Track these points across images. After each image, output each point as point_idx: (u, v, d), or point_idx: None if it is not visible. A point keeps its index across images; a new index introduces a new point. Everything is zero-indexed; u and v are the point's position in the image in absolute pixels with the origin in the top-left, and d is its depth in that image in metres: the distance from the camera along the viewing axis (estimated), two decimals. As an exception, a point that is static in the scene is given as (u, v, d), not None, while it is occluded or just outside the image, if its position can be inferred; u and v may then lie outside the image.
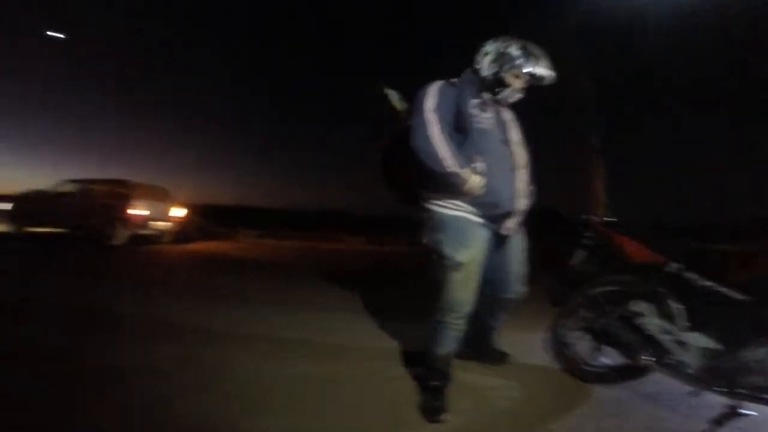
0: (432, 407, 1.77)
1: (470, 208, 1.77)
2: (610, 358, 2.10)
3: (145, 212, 8.48)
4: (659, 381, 2.01)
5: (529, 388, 2.08)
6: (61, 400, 1.75)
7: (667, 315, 1.87)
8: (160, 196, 9.05)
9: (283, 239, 12.48)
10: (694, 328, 1.81)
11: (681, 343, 1.81)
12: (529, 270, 2.03)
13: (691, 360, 1.77)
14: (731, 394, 1.65)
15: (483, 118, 1.79)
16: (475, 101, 1.80)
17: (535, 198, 1.94)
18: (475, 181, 1.68)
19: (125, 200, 8.23)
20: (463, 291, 1.77)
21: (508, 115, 1.95)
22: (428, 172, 1.72)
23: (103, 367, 2.13)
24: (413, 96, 1.84)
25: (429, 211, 1.85)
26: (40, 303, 3.42)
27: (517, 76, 1.83)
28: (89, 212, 8.35)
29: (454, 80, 1.88)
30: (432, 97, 1.77)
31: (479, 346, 2.23)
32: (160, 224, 8.90)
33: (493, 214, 1.78)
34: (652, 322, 1.91)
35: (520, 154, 1.88)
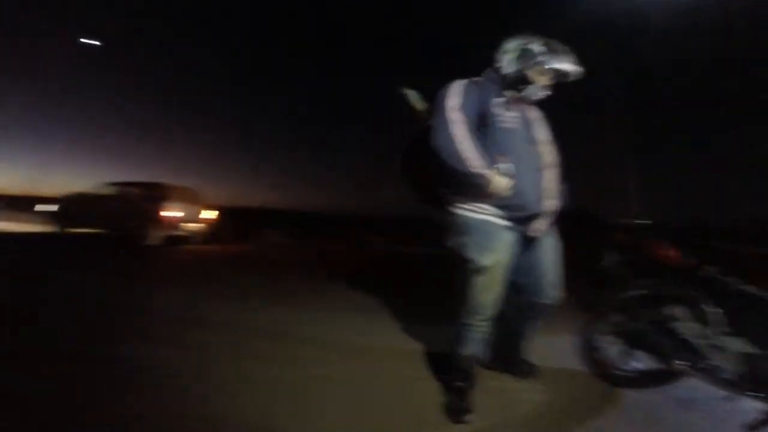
0: (456, 408, 1.78)
1: (495, 211, 1.74)
2: (641, 362, 2.07)
3: (178, 214, 8.79)
4: (693, 386, 1.96)
5: (555, 392, 2.06)
6: (99, 394, 1.88)
7: (702, 319, 1.84)
8: (192, 199, 9.37)
9: (308, 241, 12.64)
10: (729, 332, 1.77)
11: (716, 348, 1.78)
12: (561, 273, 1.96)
13: (727, 364, 1.74)
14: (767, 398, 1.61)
15: (507, 117, 1.75)
16: (498, 100, 1.76)
17: (567, 199, 1.89)
18: (500, 182, 1.64)
19: (159, 202, 8.56)
20: (487, 294, 1.76)
21: (534, 114, 1.90)
22: (452, 173, 1.69)
23: (134, 360, 2.26)
24: (434, 95, 1.82)
25: (453, 214, 1.83)
26: (76, 300, 3.63)
27: (541, 73, 1.78)
28: (126, 214, 8.72)
29: (477, 79, 1.84)
30: (455, 95, 1.74)
31: (508, 356, 2.13)
32: (192, 225, 9.20)
33: (520, 215, 1.75)
34: (686, 326, 1.88)
35: (548, 153, 1.84)
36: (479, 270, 1.73)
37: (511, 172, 1.67)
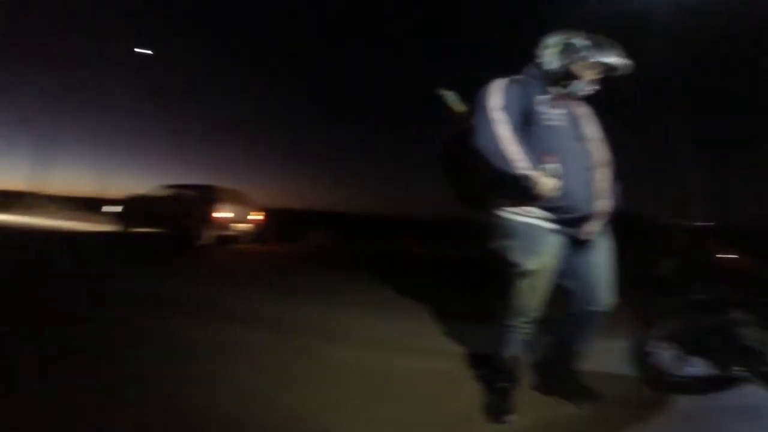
0: (498, 408, 1.77)
1: (542, 213, 1.68)
2: (697, 368, 1.98)
3: (228, 215, 9.23)
4: (751, 393, 1.86)
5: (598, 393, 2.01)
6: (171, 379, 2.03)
7: (765, 324, 1.73)
8: (241, 200, 9.83)
9: (352, 242, 12.83)
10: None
11: None
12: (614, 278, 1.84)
13: None
14: None
15: (553, 114, 1.68)
16: (542, 97, 1.70)
17: (620, 199, 1.78)
18: (547, 183, 1.58)
19: (211, 204, 9.04)
20: (531, 297, 1.72)
21: (582, 110, 1.80)
22: (496, 175, 1.65)
23: (194, 351, 2.41)
24: (474, 95, 1.77)
25: (497, 217, 1.79)
26: (136, 292, 3.92)
27: (586, 67, 1.70)
28: (181, 215, 9.28)
29: (518, 77, 1.79)
30: (496, 95, 1.69)
31: (562, 377, 1.94)
32: (241, 226, 9.63)
33: (570, 217, 1.67)
34: (748, 331, 1.78)
35: (598, 151, 1.73)
36: (523, 274, 1.69)
37: (557, 172, 1.60)
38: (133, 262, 6.26)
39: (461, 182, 1.99)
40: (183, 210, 9.31)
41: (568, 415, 1.82)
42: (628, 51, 1.72)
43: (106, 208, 10.88)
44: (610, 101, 1.96)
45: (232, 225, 9.38)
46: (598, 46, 1.69)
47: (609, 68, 1.72)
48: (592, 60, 1.68)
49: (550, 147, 1.63)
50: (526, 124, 1.68)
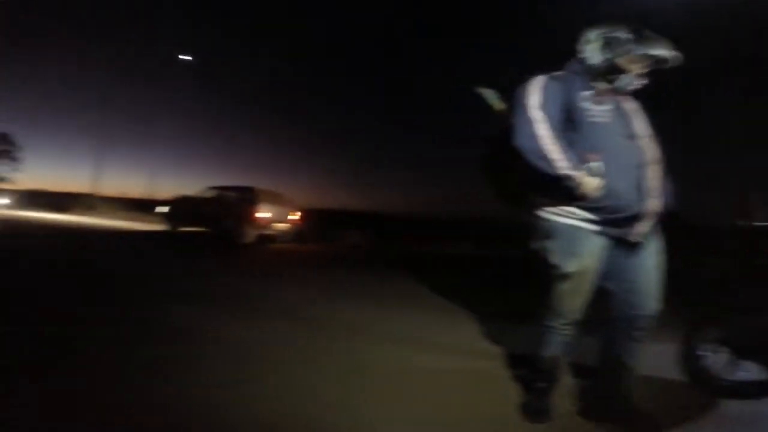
0: (535, 408, 1.75)
1: (585, 215, 1.61)
2: (748, 372, 1.90)
3: (268, 215, 9.58)
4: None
5: (644, 398, 1.92)
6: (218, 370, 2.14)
7: None
8: (280, 201, 10.19)
9: (389, 242, 12.91)
10: None
11: None
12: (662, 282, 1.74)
13: None
14: None
15: (598, 111, 1.60)
16: (586, 93, 1.62)
17: (673, 198, 1.68)
18: (589, 182, 1.51)
19: (252, 205, 9.42)
20: (572, 299, 1.67)
21: (631, 106, 1.69)
22: (537, 175, 1.61)
23: (242, 346, 2.52)
24: (513, 93, 1.73)
25: (538, 217, 1.74)
26: (182, 289, 4.14)
27: (633, 60, 1.61)
28: (224, 215, 9.74)
29: (558, 73, 1.72)
30: (535, 93, 1.64)
31: (615, 399, 1.74)
32: (280, 226, 9.99)
33: (616, 218, 1.57)
34: None
35: (648, 148, 1.63)
36: (564, 276, 1.64)
37: (600, 170, 1.54)
38: (179, 259, 6.62)
39: (501, 182, 1.95)
40: (226, 210, 9.78)
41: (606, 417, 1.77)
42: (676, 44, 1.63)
43: (158, 209, 11.59)
44: (661, 95, 1.86)
45: (272, 225, 9.73)
46: (643, 39, 1.61)
47: (658, 61, 1.63)
48: (637, 53, 1.61)
49: (594, 145, 1.57)
50: (569, 121, 1.62)
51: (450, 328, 3.16)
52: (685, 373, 2.06)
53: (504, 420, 1.74)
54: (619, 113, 1.64)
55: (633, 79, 1.64)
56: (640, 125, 1.66)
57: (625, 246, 1.64)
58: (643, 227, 1.59)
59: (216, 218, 9.93)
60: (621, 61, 1.61)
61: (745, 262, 2.05)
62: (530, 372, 1.87)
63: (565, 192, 1.56)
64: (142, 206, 21.75)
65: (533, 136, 1.58)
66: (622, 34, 1.62)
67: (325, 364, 2.23)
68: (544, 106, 1.61)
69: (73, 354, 2.11)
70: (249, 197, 9.66)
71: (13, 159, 31.83)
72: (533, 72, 1.72)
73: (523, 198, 1.80)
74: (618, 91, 1.65)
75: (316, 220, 14.27)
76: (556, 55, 1.84)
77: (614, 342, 1.72)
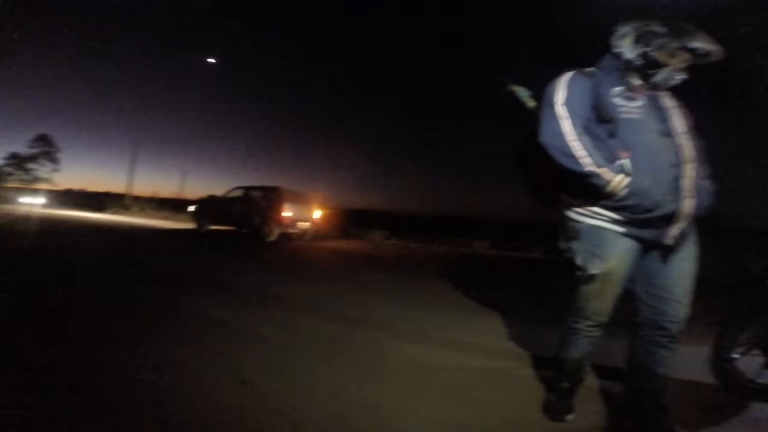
0: (557, 407, 1.74)
1: (611, 215, 1.55)
2: None
3: (293, 214, 9.78)
4: None
5: (670, 400, 1.88)
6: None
7: None
8: (304, 200, 10.41)
9: (412, 242, 12.91)
10: None
11: None
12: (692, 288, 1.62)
13: None
14: None
15: (630, 107, 1.55)
16: (618, 89, 1.57)
17: (712, 199, 1.56)
18: (615, 180, 1.47)
19: (277, 204, 9.65)
20: (597, 301, 1.63)
21: (669, 102, 1.60)
22: (564, 173, 1.57)
23: (265, 340, 2.57)
24: (543, 90, 1.69)
25: (566, 217, 1.70)
26: (211, 283, 4.24)
27: (671, 54, 1.54)
28: (250, 214, 10.02)
29: (590, 69, 1.68)
30: (561, 89, 1.61)
31: (642, 404, 1.68)
32: (304, 224, 10.19)
33: (645, 218, 1.51)
34: None
35: (686, 146, 1.53)
36: (589, 277, 1.61)
37: (627, 168, 1.48)
38: (208, 256, 6.81)
39: (533, 181, 1.91)
40: (251, 209, 10.06)
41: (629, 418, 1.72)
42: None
43: (191, 208, 12.00)
44: (704, 90, 1.76)
45: (296, 223, 9.92)
46: (680, 32, 1.54)
47: (699, 55, 1.55)
48: (675, 46, 1.54)
49: (625, 142, 1.52)
50: (600, 118, 1.57)
51: (473, 326, 3.14)
52: (715, 376, 2.02)
53: (525, 418, 1.74)
54: (655, 109, 1.56)
55: (672, 73, 1.57)
56: (678, 122, 1.57)
57: (657, 249, 1.57)
58: (676, 230, 1.50)
59: (242, 217, 10.22)
60: (658, 55, 1.55)
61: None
62: (554, 372, 1.86)
63: (590, 190, 1.53)
64: (173, 205, 22.51)
65: (558, 133, 1.55)
66: (658, 27, 1.56)
67: (348, 360, 2.25)
68: (570, 103, 1.58)
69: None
70: (274, 197, 9.89)
71: (53, 160, 33.47)
72: (564, 68, 1.68)
73: (554, 198, 1.76)
74: (657, 87, 1.59)
75: (342, 219, 14.44)
76: (589, 51, 1.79)
77: (639, 348, 1.66)
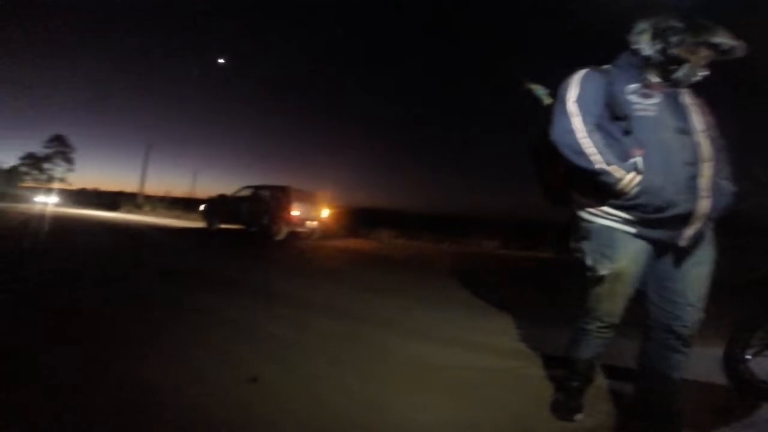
0: (566, 406, 1.72)
1: (624, 215, 1.52)
2: None
3: (301, 213, 9.84)
4: None
5: (684, 402, 1.85)
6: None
7: None
8: (312, 199, 10.47)
9: (420, 241, 12.90)
10: None
11: None
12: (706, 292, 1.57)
13: None
14: None
15: (645, 104, 1.51)
16: (633, 86, 1.55)
17: (731, 199, 1.51)
18: (627, 179, 1.44)
19: (287, 203, 9.71)
20: (608, 303, 1.60)
21: (688, 99, 1.56)
22: (575, 171, 1.56)
23: (273, 337, 2.57)
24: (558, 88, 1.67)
25: (577, 216, 1.68)
26: (220, 281, 4.26)
27: (692, 51, 1.50)
28: (259, 213, 10.11)
29: (606, 66, 1.66)
30: (574, 86, 1.59)
31: (652, 407, 1.65)
32: (312, 223, 10.25)
33: (658, 218, 1.47)
34: None
35: (704, 144, 1.48)
36: (598, 278, 1.59)
37: (638, 166, 1.45)
38: (217, 254, 6.87)
39: (547, 179, 1.89)
40: (260, 208, 10.15)
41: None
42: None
43: (201, 207, 12.17)
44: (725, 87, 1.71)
45: (305, 222, 9.98)
46: (700, 27, 1.50)
47: (722, 51, 1.50)
48: (696, 41, 1.49)
49: (639, 139, 1.48)
50: (614, 115, 1.55)
51: (481, 326, 3.12)
52: (727, 377, 1.99)
53: (533, 417, 1.73)
54: (673, 106, 1.52)
55: (693, 70, 1.52)
56: (697, 120, 1.52)
57: (671, 251, 1.53)
58: (690, 231, 1.45)
59: (251, 216, 10.31)
60: (679, 52, 1.51)
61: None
62: (563, 371, 1.84)
63: (600, 188, 1.50)
64: (185, 204, 22.83)
65: (568, 131, 1.53)
66: (677, 23, 1.52)
67: (354, 359, 2.25)
68: (582, 100, 1.56)
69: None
70: (282, 196, 9.95)
71: (68, 160, 34.13)
72: (580, 66, 1.66)
73: (566, 196, 1.74)
74: (678, 84, 1.54)
75: (349, 218, 14.48)
76: (606, 48, 1.75)
77: (650, 350, 1.63)
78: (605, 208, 1.56)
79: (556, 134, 1.57)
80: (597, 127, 1.54)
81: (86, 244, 6.79)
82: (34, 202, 20.93)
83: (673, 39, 1.51)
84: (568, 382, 1.78)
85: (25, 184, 30.30)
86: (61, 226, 9.67)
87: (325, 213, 10.79)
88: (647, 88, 1.53)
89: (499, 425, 1.67)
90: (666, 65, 1.53)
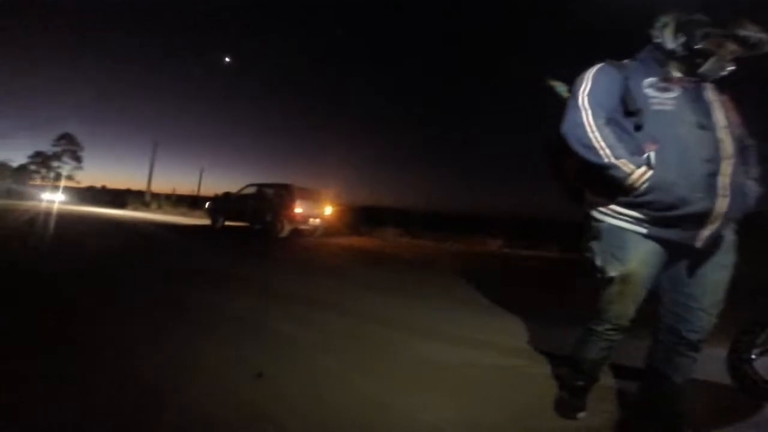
0: (569, 405, 1.73)
1: (635, 214, 1.47)
2: None
3: (304, 210, 9.88)
4: None
5: (687, 402, 1.84)
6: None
7: None
8: (316, 197, 10.51)
9: (425, 239, 12.89)
10: None
11: None
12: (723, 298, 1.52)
13: None
14: None
15: (663, 98, 1.46)
16: (651, 80, 1.50)
17: (757, 200, 1.45)
18: (637, 174, 1.39)
19: (290, 201, 9.76)
20: (618, 305, 1.55)
21: (712, 95, 1.50)
22: (586, 166, 1.52)
23: (277, 335, 2.57)
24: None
25: (588, 216, 1.64)
26: (214, 270, 4.27)
27: (719, 44, 1.44)
28: (263, 210, 10.17)
29: (625, 61, 1.63)
30: (587, 80, 1.56)
31: (656, 409, 1.64)
32: (315, 221, 10.30)
33: (670, 216, 1.41)
34: None
35: (726, 141, 1.41)
36: (608, 280, 1.54)
37: (650, 161, 1.40)
38: (221, 252, 6.91)
39: (563, 175, 1.85)
40: (264, 206, 10.21)
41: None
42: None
43: (206, 205, 12.27)
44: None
45: (308, 220, 10.03)
46: (725, 21, 1.45)
47: (749, 44, 1.44)
48: (723, 34, 1.45)
49: (654, 134, 1.43)
50: (629, 110, 1.51)
51: (485, 324, 3.11)
52: (732, 377, 2.00)
53: (536, 415, 1.74)
54: (694, 101, 1.46)
55: (719, 64, 1.47)
56: (720, 115, 1.45)
57: (687, 254, 1.48)
58: (707, 232, 1.39)
59: (255, 213, 10.37)
60: (704, 45, 1.46)
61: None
62: (567, 370, 1.82)
63: (610, 183, 1.46)
64: (191, 202, 23.00)
65: (578, 124, 1.50)
66: (701, 16, 1.49)
67: (358, 356, 2.26)
68: (594, 94, 1.53)
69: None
70: (286, 193, 10.00)
71: (76, 158, 34.45)
72: (598, 60, 1.64)
73: (581, 195, 1.71)
74: (703, 79, 1.50)
75: (353, 216, 14.52)
76: (606, 48, 1.73)
77: (657, 353, 1.61)
78: (616, 207, 1.52)
79: (566, 127, 1.54)
80: (609, 121, 1.50)
81: (91, 241, 6.83)
82: (42, 200, 21.17)
83: (698, 32, 1.46)
84: (572, 380, 1.77)
85: (34, 182, 30.69)
86: (67, 223, 9.76)
87: (329, 211, 10.81)
88: (667, 82, 1.49)
89: (501, 423, 1.67)
90: (691, 59, 1.49)
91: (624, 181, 1.41)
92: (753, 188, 1.45)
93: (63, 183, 29.63)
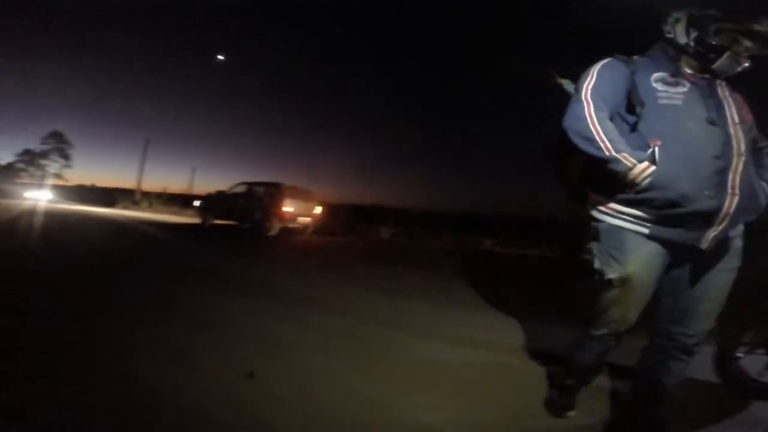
0: (559, 403, 1.72)
1: (636, 213, 1.42)
2: None
3: (294, 209, 9.91)
4: None
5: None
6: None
7: None
8: (305, 196, 10.54)
9: (420, 238, 12.88)
10: None
11: None
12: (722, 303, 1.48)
13: None
14: None
15: (671, 92, 1.41)
16: (660, 74, 1.46)
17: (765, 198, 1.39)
18: (638, 168, 1.34)
19: (280, 200, 9.78)
20: (617, 310, 1.49)
21: (725, 92, 1.45)
22: (586, 161, 1.51)
23: (276, 335, 2.55)
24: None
25: (589, 215, 1.59)
26: (206, 269, 4.24)
27: (732, 39, 1.39)
28: (253, 209, 10.16)
29: (635, 57, 1.59)
30: (593, 75, 1.53)
31: (646, 411, 1.61)
32: (305, 219, 10.35)
33: (675, 214, 1.35)
34: None
35: (737, 138, 1.35)
36: (607, 283, 1.48)
37: (652, 156, 1.35)
38: (211, 251, 6.87)
39: (565, 172, 1.82)
40: (254, 204, 10.21)
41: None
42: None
43: (196, 203, 12.23)
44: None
45: (297, 218, 10.07)
46: (740, 16, 1.41)
47: (765, 41, 1.36)
48: (736, 29, 1.40)
49: (660, 129, 1.39)
50: (635, 105, 1.47)
51: (480, 323, 3.12)
52: (718, 375, 2.02)
53: (529, 414, 1.74)
54: (704, 97, 1.42)
55: (733, 60, 1.42)
56: (733, 112, 1.41)
57: (691, 256, 1.41)
58: (714, 232, 1.32)
59: (245, 212, 10.37)
60: (719, 40, 1.42)
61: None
62: (560, 368, 1.80)
63: (610, 178, 1.41)
64: (182, 201, 22.85)
65: (579, 117, 1.46)
66: (714, 11, 1.45)
67: (354, 356, 2.25)
68: (598, 88, 1.49)
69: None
70: (275, 192, 10.03)
71: (65, 156, 34.01)
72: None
73: (583, 195, 1.67)
74: (717, 74, 1.45)
75: (346, 215, 14.50)
76: (606, 48, 1.68)
77: (650, 354, 1.57)
78: (616, 206, 1.46)
79: (567, 120, 1.50)
80: (613, 116, 1.48)
81: (78, 241, 6.73)
82: (29, 198, 20.87)
83: (711, 27, 1.42)
84: (563, 380, 1.75)
85: (22, 180, 30.23)
86: (53, 223, 9.62)
87: (318, 210, 10.86)
88: (676, 77, 1.45)
89: (496, 421, 1.68)
90: (703, 55, 1.44)
91: (625, 176, 1.36)
92: (765, 190, 1.39)
93: (51, 181, 29.23)
